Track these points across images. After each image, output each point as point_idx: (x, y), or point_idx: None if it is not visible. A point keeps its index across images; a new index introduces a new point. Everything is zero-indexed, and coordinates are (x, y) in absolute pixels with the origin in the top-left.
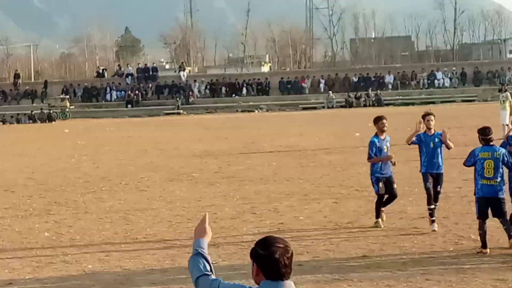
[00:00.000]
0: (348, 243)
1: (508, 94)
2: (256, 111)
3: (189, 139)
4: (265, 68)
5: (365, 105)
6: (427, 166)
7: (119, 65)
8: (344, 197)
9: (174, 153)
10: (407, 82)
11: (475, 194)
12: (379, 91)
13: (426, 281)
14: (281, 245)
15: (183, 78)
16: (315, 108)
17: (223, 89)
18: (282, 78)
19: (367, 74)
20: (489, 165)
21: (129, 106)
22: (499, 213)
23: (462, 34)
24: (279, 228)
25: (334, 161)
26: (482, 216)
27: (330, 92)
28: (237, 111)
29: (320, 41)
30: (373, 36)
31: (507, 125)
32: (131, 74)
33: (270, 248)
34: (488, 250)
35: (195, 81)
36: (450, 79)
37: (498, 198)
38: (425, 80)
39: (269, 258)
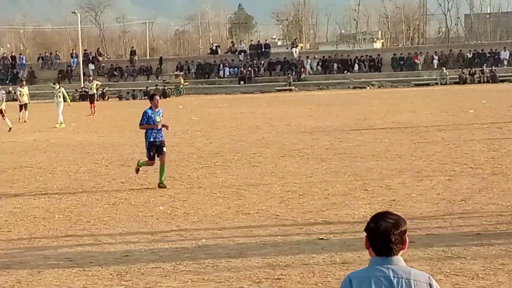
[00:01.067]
0: (461, 221)
1: None
2: (368, 87)
3: (300, 115)
4: (378, 45)
5: (479, 82)
6: None
7: (232, 41)
8: (457, 174)
9: (286, 129)
10: None
11: None
12: (494, 68)
13: None
14: (392, 221)
15: (295, 55)
16: (428, 84)
17: (335, 65)
18: (394, 54)
19: (482, 50)
20: None
21: (242, 82)
22: None
23: None
24: (391, 205)
25: (447, 138)
26: None
27: (444, 68)
28: (348, 87)
29: (433, 17)
30: (489, 12)
31: None
32: (244, 51)
33: (379, 222)
34: None
35: (307, 57)
36: None
37: None
38: None
39: (376, 231)
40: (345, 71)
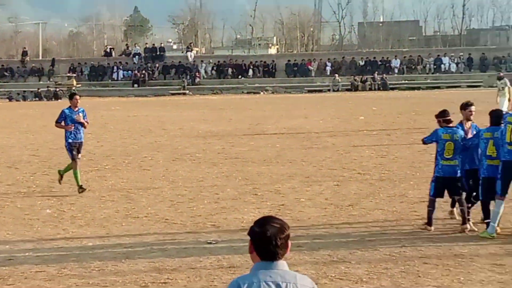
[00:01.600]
0: (348, 226)
1: (507, 81)
2: (262, 93)
3: (194, 119)
4: (272, 50)
5: (370, 89)
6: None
7: (126, 44)
8: (346, 180)
9: (179, 133)
10: (413, 67)
11: (434, 173)
12: (385, 75)
13: (423, 264)
14: (277, 225)
15: (190, 59)
16: (320, 91)
17: (230, 70)
18: (288, 60)
19: (374, 58)
20: (449, 147)
21: (136, 85)
22: (456, 192)
23: (471, 19)
24: (280, 210)
25: (337, 144)
26: (436, 195)
27: (336, 75)
28: (242, 92)
29: (328, 24)
30: (381, 20)
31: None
32: (139, 54)
33: (265, 227)
34: (432, 228)
35: (202, 61)
36: (457, 64)
37: (456, 177)
38: (431, 65)
39: (262, 236)
40: (240, 76)
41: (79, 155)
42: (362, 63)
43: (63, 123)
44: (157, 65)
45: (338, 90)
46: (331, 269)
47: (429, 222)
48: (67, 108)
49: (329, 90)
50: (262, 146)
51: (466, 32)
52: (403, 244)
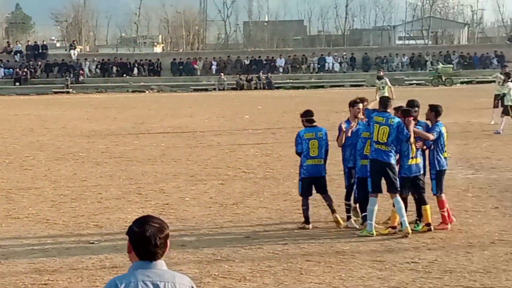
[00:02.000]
0: (232, 224)
1: (387, 80)
2: (147, 91)
3: (77, 118)
4: (158, 49)
5: (256, 88)
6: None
7: (8, 42)
8: (231, 179)
9: (61, 132)
10: (297, 66)
11: (300, 175)
12: (270, 74)
13: (306, 262)
14: (156, 225)
15: (74, 57)
16: (206, 89)
17: (114, 68)
18: (174, 59)
19: (259, 57)
20: (313, 145)
21: (17, 84)
22: (322, 189)
23: (353, 19)
24: (164, 209)
25: (222, 143)
26: (305, 194)
27: (222, 74)
28: (127, 91)
29: (213, 23)
30: (266, 20)
31: None
32: (20, 52)
33: (143, 226)
34: (310, 226)
35: (85, 60)
36: (340, 63)
37: (321, 176)
38: (315, 64)
39: (141, 236)
40: (125, 75)
41: None
42: (247, 62)
43: None
44: (39, 63)
45: (223, 89)
46: (215, 268)
47: (306, 221)
48: None
49: (214, 89)
50: (147, 145)
51: (349, 32)
52: (286, 242)
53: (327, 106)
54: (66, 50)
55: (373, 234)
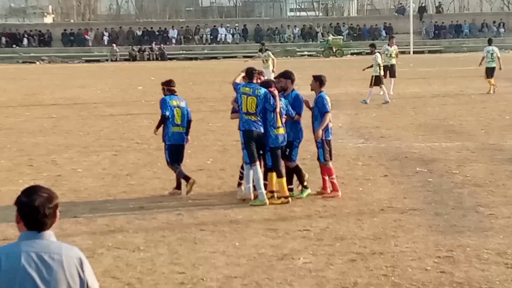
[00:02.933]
0: (125, 195)
1: (270, 52)
2: (38, 62)
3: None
4: (48, 19)
5: (148, 59)
6: None
7: None
8: (124, 150)
9: None
10: (190, 37)
11: (164, 141)
12: (162, 45)
13: (200, 231)
14: (45, 194)
15: None
16: (98, 60)
17: (3, 39)
18: (65, 29)
19: (151, 28)
20: (177, 113)
21: None
22: (181, 158)
23: None
24: (57, 180)
25: (115, 114)
26: (173, 161)
27: (114, 45)
28: (17, 62)
29: None
30: None
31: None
32: None
33: (32, 196)
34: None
35: None
36: (233, 35)
37: (183, 144)
38: (208, 36)
39: (29, 205)
40: (14, 45)
41: None
42: (139, 33)
43: None
44: None
45: (116, 60)
46: (109, 239)
47: (178, 186)
48: None
49: (107, 60)
50: (38, 116)
51: (241, 4)
52: (180, 212)
53: (220, 77)
54: None
55: (265, 203)
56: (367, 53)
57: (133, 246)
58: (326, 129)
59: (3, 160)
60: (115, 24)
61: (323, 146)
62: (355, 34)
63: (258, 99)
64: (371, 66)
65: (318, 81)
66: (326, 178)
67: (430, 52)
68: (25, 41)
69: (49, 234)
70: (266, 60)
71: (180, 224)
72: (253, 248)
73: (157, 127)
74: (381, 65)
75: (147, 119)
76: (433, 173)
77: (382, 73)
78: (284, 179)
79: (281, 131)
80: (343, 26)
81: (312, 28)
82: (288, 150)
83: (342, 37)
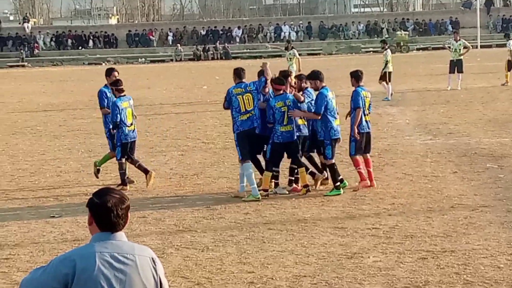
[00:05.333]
0: (192, 195)
1: (295, 51)
2: (103, 63)
3: (33, 92)
4: (113, 21)
5: (213, 58)
6: None
7: None
8: (190, 149)
9: (18, 107)
10: (254, 36)
11: (121, 140)
12: (227, 44)
13: (268, 230)
14: (117, 196)
15: (28, 30)
16: (163, 61)
17: (69, 41)
18: (129, 30)
19: (215, 27)
20: (129, 113)
21: None
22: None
23: None
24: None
25: (181, 114)
26: (125, 156)
27: (178, 45)
28: (83, 63)
29: None
30: None
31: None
32: None
33: (104, 197)
34: (127, 188)
35: (39, 32)
36: (296, 32)
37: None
38: (272, 34)
39: (102, 206)
40: (80, 47)
41: None
42: (203, 32)
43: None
44: None
45: (180, 60)
46: (177, 239)
47: (123, 182)
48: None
49: (171, 60)
50: None
51: (305, 1)
52: (248, 211)
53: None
54: (19, 23)
55: (259, 198)
56: (433, 48)
57: (202, 245)
58: (360, 122)
59: (72, 161)
60: (179, 24)
61: (355, 140)
62: (421, 29)
63: (252, 93)
64: (386, 63)
65: (354, 76)
66: (361, 169)
67: (497, 46)
68: (91, 42)
69: (121, 235)
70: (290, 58)
71: (248, 223)
72: (322, 247)
73: (113, 129)
74: (390, 61)
75: (212, 119)
76: (504, 169)
77: (390, 70)
78: (269, 174)
79: (289, 128)
80: (408, 21)
81: (377, 24)
82: (321, 148)
83: (407, 32)
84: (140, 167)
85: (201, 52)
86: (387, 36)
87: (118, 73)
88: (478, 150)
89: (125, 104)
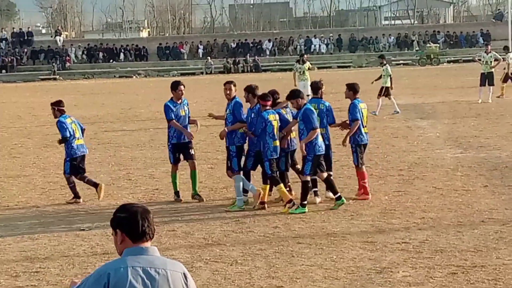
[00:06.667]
0: (222, 209)
1: (309, 63)
2: (134, 76)
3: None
4: (144, 34)
5: (243, 71)
6: None
7: None
8: (220, 163)
9: (49, 119)
10: (284, 48)
11: (71, 155)
12: (257, 57)
13: (297, 244)
14: (139, 206)
15: (59, 43)
16: (193, 73)
17: (101, 54)
18: (160, 43)
19: (245, 40)
20: (75, 128)
21: (4, 71)
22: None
23: (339, 0)
24: (155, 194)
25: (210, 127)
26: (75, 172)
27: (209, 58)
28: (114, 76)
29: (199, 7)
30: (252, 2)
31: (307, 95)
32: (5, 39)
33: (129, 210)
34: (80, 200)
35: (71, 46)
36: (327, 45)
37: (85, 155)
38: (302, 46)
39: (132, 217)
40: (111, 60)
41: (192, 151)
42: (234, 45)
43: None
44: (25, 50)
45: (211, 73)
46: (206, 252)
47: (76, 195)
48: (170, 101)
49: (202, 72)
50: (135, 130)
51: (335, 13)
52: (277, 225)
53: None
54: (51, 36)
55: (243, 208)
56: (464, 61)
57: (231, 259)
58: (360, 134)
59: (102, 174)
60: (210, 37)
61: (357, 151)
62: (452, 42)
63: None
64: (380, 78)
65: (352, 89)
66: (366, 182)
67: None
68: (122, 55)
69: (153, 250)
70: (303, 72)
71: (277, 237)
72: (351, 261)
73: (60, 142)
74: (391, 76)
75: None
76: None
77: (389, 84)
78: (281, 186)
79: (277, 143)
80: (439, 33)
81: (408, 36)
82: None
83: (438, 44)
84: (89, 182)
85: (231, 65)
86: (417, 48)
87: (184, 87)
88: (509, 163)
89: (69, 120)
